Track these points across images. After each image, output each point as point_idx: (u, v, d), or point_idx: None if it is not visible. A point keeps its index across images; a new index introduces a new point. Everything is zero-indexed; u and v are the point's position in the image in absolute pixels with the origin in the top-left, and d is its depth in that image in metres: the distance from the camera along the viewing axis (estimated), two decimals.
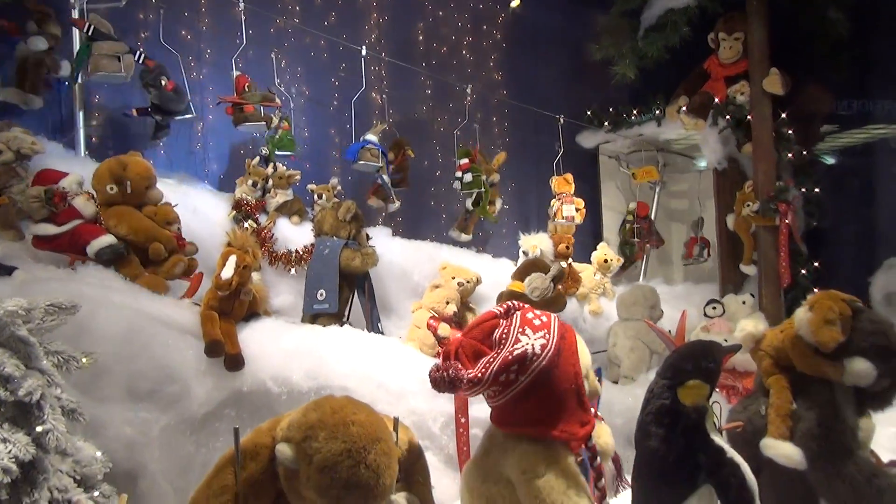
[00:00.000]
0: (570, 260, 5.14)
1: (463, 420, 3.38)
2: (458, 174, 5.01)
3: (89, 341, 2.63)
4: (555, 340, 1.95)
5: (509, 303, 2.09)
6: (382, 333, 3.88)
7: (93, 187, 3.33)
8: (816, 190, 4.91)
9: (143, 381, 2.86)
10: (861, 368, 2.47)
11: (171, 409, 2.90)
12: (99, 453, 2.31)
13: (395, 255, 4.48)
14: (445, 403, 3.47)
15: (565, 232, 5.38)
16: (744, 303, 4.78)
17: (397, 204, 4.85)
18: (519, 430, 1.99)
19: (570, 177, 5.60)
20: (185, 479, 2.81)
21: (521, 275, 4.11)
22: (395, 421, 1.88)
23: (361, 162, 4.38)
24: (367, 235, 3.91)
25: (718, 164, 5.47)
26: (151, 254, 3.29)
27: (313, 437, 1.57)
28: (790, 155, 4.88)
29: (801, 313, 2.61)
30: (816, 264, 4.87)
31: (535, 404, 1.95)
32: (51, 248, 3.22)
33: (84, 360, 2.26)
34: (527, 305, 2.09)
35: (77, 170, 3.39)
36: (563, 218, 5.51)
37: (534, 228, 4.99)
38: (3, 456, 1.90)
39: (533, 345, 1.93)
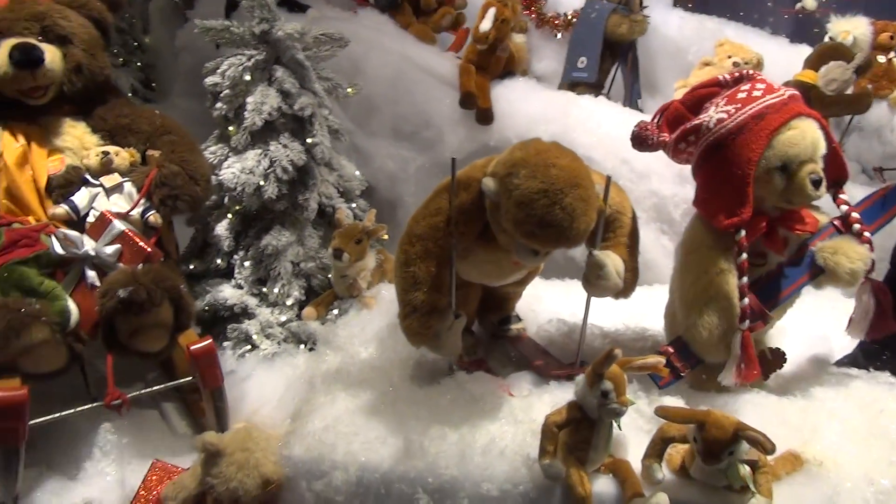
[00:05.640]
0: (893, 54, 4.22)
1: None
2: None
3: (361, 79, 2.95)
4: (741, 118, 1.72)
5: (743, 71, 1.86)
6: (641, 111, 3.71)
7: None
8: None
9: (405, 123, 3.18)
10: None
11: (427, 152, 3.21)
12: (357, 172, 2.69)
13: (671, 28, 4.08)
14: (690, 191, 3.31)
15: None
16: None
17: None
18: (695, 205, 1.96)
19: None
20: None
21: (816, 62, 3.49)
22: (608, 179, 1.87)
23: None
24: (641, 2, 3.58)
25: None
26: (423, 3, 3.44)
27: (515, 173, 1.64)
28: None
29: None
30: None
31: (701, 181, 1.89)
32: None
33: (349, 90, 2.56)
34: (760, 76, 1.83)
35: None
36: None
37: (851, 10, 4.10)
38: (283, 158, 2.33)
39: (711, 117, 1.78)
